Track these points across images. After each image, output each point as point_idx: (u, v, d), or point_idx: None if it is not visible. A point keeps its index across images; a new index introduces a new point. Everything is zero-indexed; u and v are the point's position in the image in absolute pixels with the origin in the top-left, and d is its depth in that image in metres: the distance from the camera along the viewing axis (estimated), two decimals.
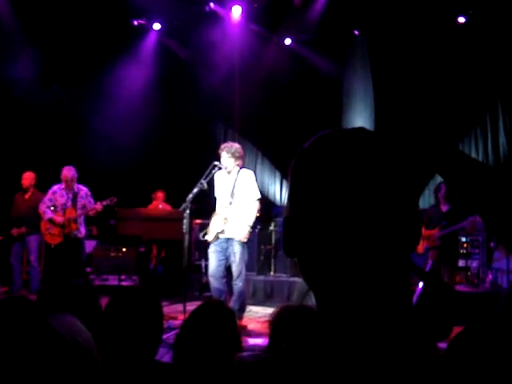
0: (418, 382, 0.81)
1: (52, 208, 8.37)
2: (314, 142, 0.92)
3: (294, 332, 0.90)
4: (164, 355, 5.25)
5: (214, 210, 7.03)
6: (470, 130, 10.93)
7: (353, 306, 0.85)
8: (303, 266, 0.91)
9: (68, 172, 8.39)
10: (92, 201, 8.47)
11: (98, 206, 8.32)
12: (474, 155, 10.92)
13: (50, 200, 8.42)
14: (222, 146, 6.81)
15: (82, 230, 8.54)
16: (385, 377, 0.81)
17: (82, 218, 8.53)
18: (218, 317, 2.34)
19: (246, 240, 6.79)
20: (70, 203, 8.40)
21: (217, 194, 6.95)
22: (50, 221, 8.32)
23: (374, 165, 0.86)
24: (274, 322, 2.17)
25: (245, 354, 0.85)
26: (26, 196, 8.99)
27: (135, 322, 2.25)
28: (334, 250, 0.85)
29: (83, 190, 8.53)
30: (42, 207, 8.40)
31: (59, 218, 8.32)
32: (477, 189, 1.10)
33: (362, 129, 0.92)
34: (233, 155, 6.71)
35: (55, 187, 8.47)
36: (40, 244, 9.29)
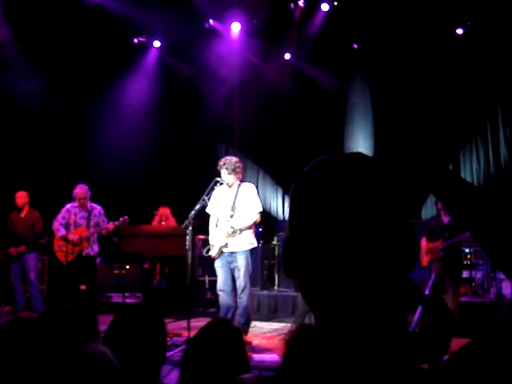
0: None
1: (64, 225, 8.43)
2: (314, 166, 0.94)
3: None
4: (169, 373, 5.24)
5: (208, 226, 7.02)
6: (470, 137, 10.97)
7: (350, 328, 0.86)
8: (303, 287, 0.92)
9: (81, 190, 8.38)
10: (105, 219, 8.44)
11: (111, 226, 8.30)
12: (474, 163, 10.96)
13: (63, 218, 8.40)
14: (221, 163, 6.80)
15: (95, 248, 8.51)
16: None
17: (95, 236, 8.51)
18: (226, 335, 2.33)
19: (251, 247, 6.78)
20: (83, 221, 8.40)
21: (212, 208, 6.91)
22: (63, 238, 8.30)
23: (370, 189, 0.88)
24: (290, 341, 2.17)
25: (246, 375, 0.85)
26: (22, 214, 9.01)
27: (139, 340, 2.24)
28: (332, 272, 0.86)
29: (97, 208, 8.53)
30: (56, 225, 8.39)
31: (72, 236, 8.29)
32: (466, 210, 1.12)
33: (360, 154, 0.94)
34: (233, 171, 6.72)
35: (69, 205, 8.46)
36: (42, 262, 9.32)
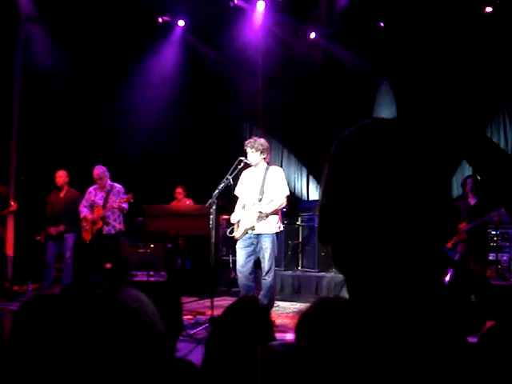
0: (448, 375, 0.80)
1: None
2: (355, 130, 0.92)
3: (320, 324, 0.90)
4: (193, 349, 5.29)
5: (233, 206, 7.03)
6: (497, 111, 10.82)
7: (386, 295, 0.85)
8: (337, 254, 0.91)
9: (97, 171, 8.68)
10: (124, 197, 8.60)
11: (115, 204, 8.52)
12: (502, 137, 10.83)
13: (87, 200, 8.74)
14: (246, 142, 6.80)
15: (117, 225, 8.70)
16: (417, 367, 0.81)
17: (117, 214, 8.68)
18: (253, 314, 2.33)
19: (278, 230, 6.78)
20: (101, 201, 8.63)
21: (240, 191, 6.92)
22: (84, 218, 8.62)
23: (412, 155, 0.87)
24: (304, 314, 2.15)
25: (274, 343, 0.85)
26: (61, 194, 9.11)
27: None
28: (369, 238, 0.85)
29: (117, 187, 8.76)
30: (80, 207, 8.75)
31: (89, 216, 8.59)
32: (501, 178, 1.09)
33: (400, 119, 0.93)
34: (257, 149, 6.69)
35: (91, 188, 8.78)
36: (76, 242, 9.45)
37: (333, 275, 9.20)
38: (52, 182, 9.11)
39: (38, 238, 9.06)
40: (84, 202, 8.73)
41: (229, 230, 7.05)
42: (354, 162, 0.88)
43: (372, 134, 0.90)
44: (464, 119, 1.12)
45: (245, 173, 6.88)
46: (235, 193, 6.95)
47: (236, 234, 6.81)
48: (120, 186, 8.80)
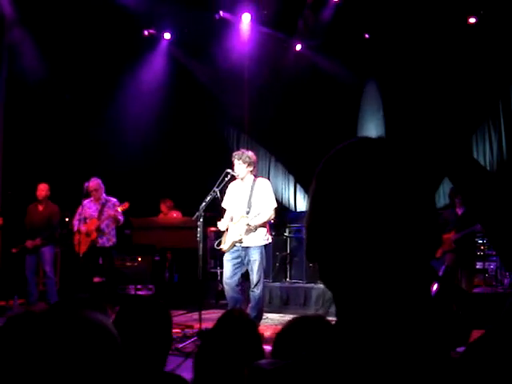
0: None
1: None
2: (342, 148, 0.93)
3: (298, 342, 0.91)
4: (181, 363, 5.25)
5: (221, 219, 7.01)
6: (482, 122, 10.90)
7: (373, 311, 0.85)
8: (325, 271, 0.91)
9: (92, 183, 8.63)
10: (120, 208, 8.59)
11: (111, 213, 8.52)
12: (487, 147, 10.90)
13: (80, 214, 8.63)
14: (234, 154, 6.80)
15: (112, 238, 8.68)
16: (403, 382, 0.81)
17: (111, 228, 8.66)
18: (241, 327, 2.32)
19: (266, 242, 6.76)
20: (95, 214, 8.59)
21: (227, 203, 6.91)
22: (78, 232, 8.53)
23: (398, 174, 0.88)
24: (280, 333, 2.15)
25: (262, 361, 0.84)
26: (41, 207, 9.02)
27: (144, 331, 2.24)
28: (356, 255, 0.86)
29: (111, 200, 8.75)
30: (73, 221, 8.72)
31: (83, 228, 8.53)
32: (479, 199, 1.09)
33: (385, 139, 0.94)
34: (244, 161, 6.68)
35: (85, 201, 8.70)
36: (55, 255, 9.38)
37: (323, 288, 9.20)
38: (30, 194, 9.05)
39: (14, 250, 8.97)
40: (77, 216, 8.64)
41: (216, 243, 7.03)
42: (340, 180, 0.89)
43: (358, 153, 0.91)
44: (447, 136, 1.13)
45: (232, 185, 6.87)
46: (222, 205, 6.94)
47: (223, 247, 6.79)
48: (115, 199, 8.76)
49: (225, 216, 6.95)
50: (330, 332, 0.90)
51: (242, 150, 6.92)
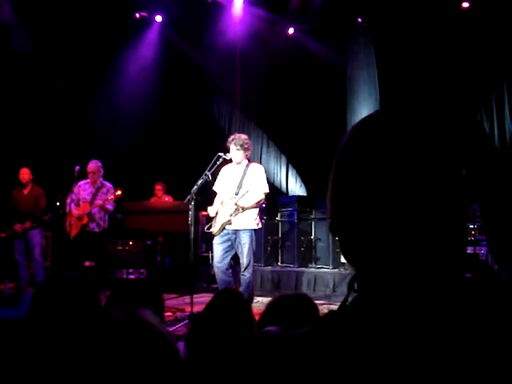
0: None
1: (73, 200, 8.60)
2: (368, 121, 0.93)
3: (281, 320, 0.90)
4: None
5: (213, 202, 7.01)
6: (475, 112, 10.85)
7: (399, 287, 0.84)
8: (348, 246, 0.91)
9: (92, 165, 8.61)
10: (109, 197, 8.56)
11: (98, 202, 8.49)
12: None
13: (75, 194, 8.62)
14: (230, 139, 6.76)
15: (102, 224, 8.66)
16: (422, 360, 0.80)
17: (103, 213, 8.64)
18: (235, 308, 2.31)
19: (256, 227, 6.77)
20: (89, 197, 8.56)
21: (219, 186, 6.90)
22: (70, 213, 8.53)
23: (426, 146, 0.87)
24: (264, 312, 2.14)
25: (271, 328, 0.83)
26: (25, 191, 8.97)
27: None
28: (383, 230, 0.85)
29: (106, 186, 8.72)
30: (67, 201, 8.67)
31: (75, 211, 8.50)
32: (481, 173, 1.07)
33: (412, 110, 0.92)
34: (241, 147, 6.68)
35: (82, 182, 8.68)
36: (45, 239, 9.35)
37: (315, 272, 9.24)
38: (15, 179, 8.99)
39: (3, 234, 8.94)
40: (72, 196, 8.60)
41: (207, 226, 7.03)
42: (367, 153, 0.88)
43: (385, 125, 0.90)
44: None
45: (224, 168, 6.86)
46: (214, 188, 6.93)
47: (213, 230, 6.79)
48: (110, 185, 8.72)
49: (215, 200, 6.94)
50: (347, 306, 0.89)
51: (238, 135, 6.89)
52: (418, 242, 0.84)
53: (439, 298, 0.84)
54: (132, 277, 9.30)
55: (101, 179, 8.70)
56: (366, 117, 0.94)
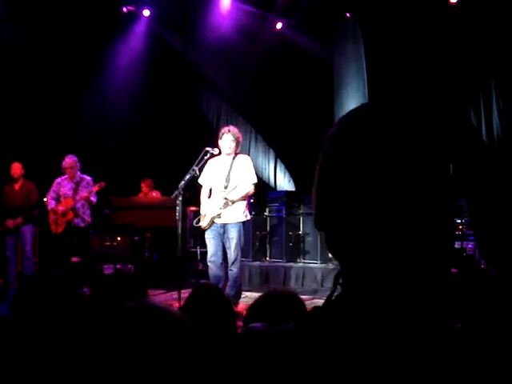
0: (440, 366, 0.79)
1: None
2: (357, 111, 0.91)
3: (270, 316, 0.89)
4: None
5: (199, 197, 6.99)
6: (463, 110, 10.85)
7: (383, 280, 0.83)
8: (334, 239, 0.89)
9: (68, 160, 8.55)
10: (93, 189, 8.52)
11: (84, 194, 8.44)
12: None
13: (54, 191, 8.60)
14: (226, 128, 6.76)
15: (86, 218, 8.61)
16: (408, 355, 0.79)
17: (86, 207, 8.59)
18: (215, 302, 2.29)
19: (245, 219, 6.75)
20: (71, 192, 8.51)
21: (204, 179, 6.86)
22: (52, 210, 8.46)
23: (415, 138, 0.85)
24: (251, 307, 2.13)
25: (255, 324, 0.83)
26: (17, 186, 8.91)
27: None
28: (370, 223, 0.84)
29: (86, 179, 8.68)
30: (47, 198, 8.63)
31: (60, 208, 8.44)
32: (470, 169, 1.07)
33: (403, 103, 0.91)
34: (236, 140, 6.69)
35: (59, 179, 8.64)
36: (35, 234, 9.29)
37: (303, 266, 9.25)
38: (5, 174, 8.94)
39: None
40: (51, 194, 8.59)
41: (195, 220, 7.01)
42: (354, 145, 0.86)
43: (373, 117, 0.88)
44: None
45: (211, 162, 6.83)
46: (199, 181, 6.88)
47: (202, 224, 6.78)
48: (89, 177, 8.69)
49: (201, 193, 6.92)
50: (333, 301, 0.87)
51: (231, 126, 6.90)
52: (404, 236, 0.83)
53: (424, 294, 0.83)
54: None
55: (79, 173, 8.64)
56: (353, 109, 0.92)
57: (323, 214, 0.90)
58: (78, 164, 8.62)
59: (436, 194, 0.85)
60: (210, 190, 6.88)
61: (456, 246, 8.98)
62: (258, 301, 2.10)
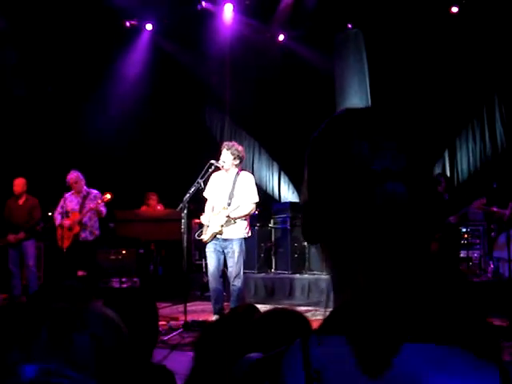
0: None
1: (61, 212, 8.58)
2: (328, 125, 0.91)
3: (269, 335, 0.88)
4: (167, 356, 5.23)
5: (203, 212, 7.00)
6: (467, 122, 10.86)
7: (376, 292, 0.83)
8: (326, 251, 0.89)
9: (72, 175, 8.59)
10: (101, 199, 8.53)
11: (92, 206, 8.45)
12: (471, 147, 10.88)
13: (62, 207, 8.63)
14: (224, 143, 6.82)
15: (95, 231, 8.64)
16: None
17: (94, 220, 8.62)
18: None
19: (246, 235, 6.76)
20: (77, 207, 8.53)
21: (209, 193, 6.89)
22: (60, 226, 8.48)
23: (390, 143, 0.85)
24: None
25: (252, 354, 0.82)
26: (20, 202, 8.96)
27: (129, 322, 2.19)
28: (356, 233, 0.83)
29: (92, 192, 8.69)
30: (55, 215, 8.64)
31: (65, 222, 8.48)
32: None
33: (372, 108, 0.91)
34: (232, 153, 6.69)
35: (66, 194, 8.68)
36: (38, 249, 9.31)
37: (308, 278, 9.22)
38: (9, 189, 8.97)
39: None
40: (59, 209, 8.61)
41: (197, 233, 7.02)
42: (332, 156, 0.86)
43: (347, 126, 0.88)
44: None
45: (215, 175, 6.85)
46: (204, 194, 6.91)
47: (204, 237, 6.79)
48: (96, 191, 8.70)
49: (206, 206, 6.94)
50: (327, 317, 0.87)
51: (234, 143, 6.92)
52: (393, 246, 0.83)
53: (410, 309, 0.82)
54: (126, 285, 9.26)
55: (85, 187, 8.67)
56: (326, 120, 0.92)
57: (311, 229, 0.90)
58: (82, 178, 8.65)
59: (418, 201, 0.84)
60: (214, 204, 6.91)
61: (462, 254, 8.96)
62: (257, 320, 2.08)
